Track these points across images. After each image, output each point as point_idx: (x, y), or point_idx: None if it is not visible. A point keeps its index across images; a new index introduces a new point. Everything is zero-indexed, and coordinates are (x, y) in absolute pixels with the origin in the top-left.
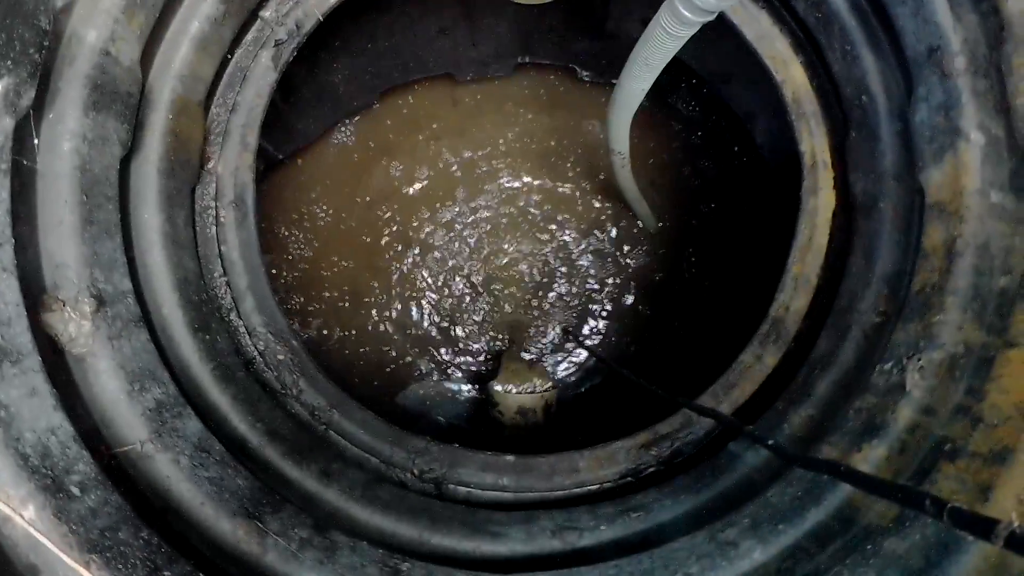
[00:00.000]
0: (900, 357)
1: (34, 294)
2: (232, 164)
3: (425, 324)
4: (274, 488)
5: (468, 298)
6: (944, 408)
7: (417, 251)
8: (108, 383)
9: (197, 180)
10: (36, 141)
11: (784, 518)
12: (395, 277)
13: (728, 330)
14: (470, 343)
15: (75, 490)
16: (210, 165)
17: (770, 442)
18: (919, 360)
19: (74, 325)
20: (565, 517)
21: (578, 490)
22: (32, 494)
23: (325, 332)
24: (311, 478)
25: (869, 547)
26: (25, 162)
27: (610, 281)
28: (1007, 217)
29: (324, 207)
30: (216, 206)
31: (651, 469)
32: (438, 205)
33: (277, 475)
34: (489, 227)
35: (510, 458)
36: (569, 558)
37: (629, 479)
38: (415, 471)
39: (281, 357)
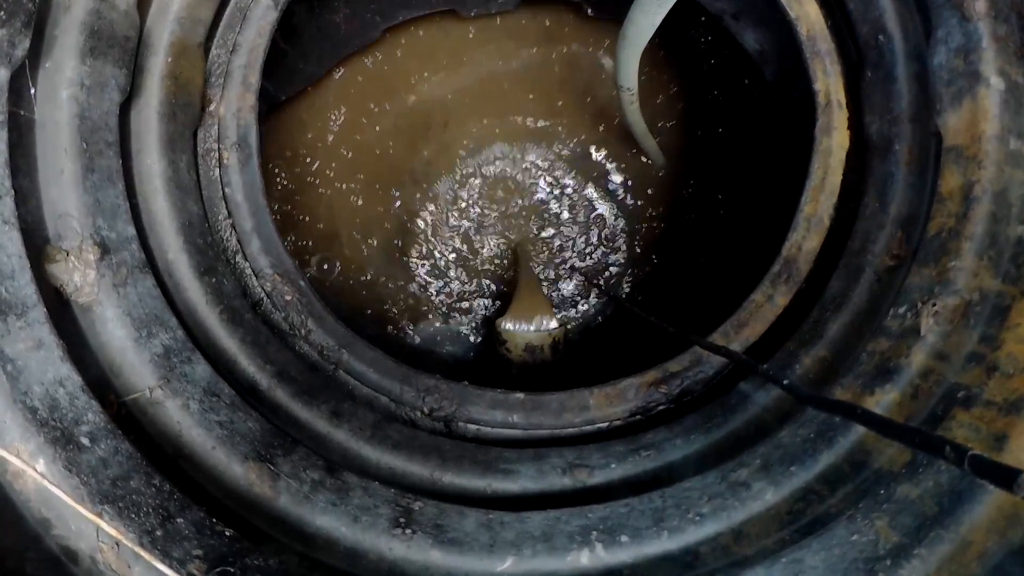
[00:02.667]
0: (914, 301)
1: (38, 245)
2: (234, 105)
3: (429, 257)
4: (285, 430)
5: (472, 232)
6: (958, 355)
7: (420, 184)
8: (115, 331)
9: (199, 123)
10: (33, 91)
11: (796, 459)
12: (397, 210)
13: (739, 270)
14: (476, 278)
15: (85, 441)
16: (212, 107)
17: (785, 382)
18: (934, 305)
19: (79, 274)
20: (576, 455)
21: (588, 428)
22: (42, 447)
23: (326, 267)
24: (321, 419)
25: (881, 492)
26: (23, 113)
27: (617, 217)
28: None
29: (327, 145)
30: (219, 148)
31: (661, 407)
32: (440, 140)
33: (288, 417)
34: (494, 162)
35: (519, 396)
36: (580, 496)
37: (639, 417)
38: (425, 409)
39: (289, 298)
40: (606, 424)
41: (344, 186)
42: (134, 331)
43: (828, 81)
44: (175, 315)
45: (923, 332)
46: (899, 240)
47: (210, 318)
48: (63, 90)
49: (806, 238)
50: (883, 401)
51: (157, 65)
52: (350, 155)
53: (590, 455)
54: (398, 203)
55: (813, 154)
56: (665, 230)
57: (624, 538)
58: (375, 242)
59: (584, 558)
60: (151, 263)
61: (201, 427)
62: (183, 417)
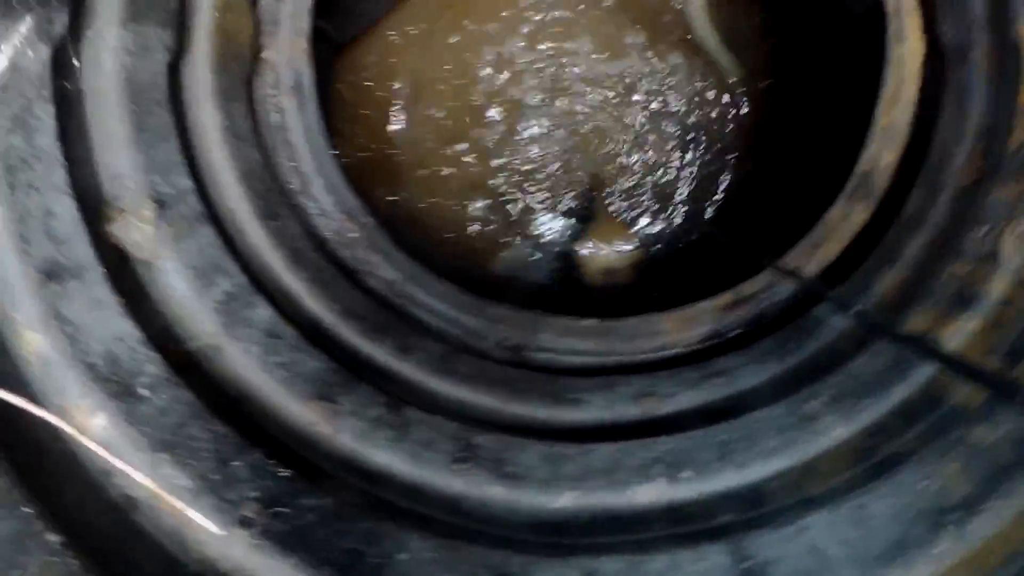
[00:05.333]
0: (995, 222)
1: (96, 208)
2: (287, 52)
3: (504, 184)
4: (349, 367)
5: (546, 156)
6: None
7: (491, 112)
8: (176, 283)
9: (252, 72)
10: (77, 63)
11: (868, 392)
12: (468, 140)
13: (818, 186)
14: (553, 202)
15: (145, 392)
16: (264, 55)
17: (856, 309)
18: (1015, 227)
19: (137, 231)
20: (646, 383)
21: (661, 353)
22: (102, 403)
23: (399, 202)
24: (388, 354)
25: (955, 433)
26: (68, 85)
27: (693, 132)
28: None
29: (392, 77)
30: (275, 94)
31: (735, 331)
32: (509, 64)
33: (353, 354)
34: (563, 82)
35: (591, 322)
36: (648, 426)
37: (713, 341)
38: (495, 339)
39: (354, 235)
40: (679, 350)
41: (412, 114)
42: (195, 281)
43: None
44: (236, 262)
45: (1003, 257)
46: (979, 155)
47: (274, 261)
48: (107, 58)
49: (883, 152)
50: (962, 330)
51: (204, 21)
52: (415, 86)
53: (660, 383)
54: (467, 129)
55: (886, 63)
56: (742, 146)
57: (688, 473)
58: (447, 169)
59: (646, 493)
60: (211, 212)
61: (262, 370)
62: (244, 361)
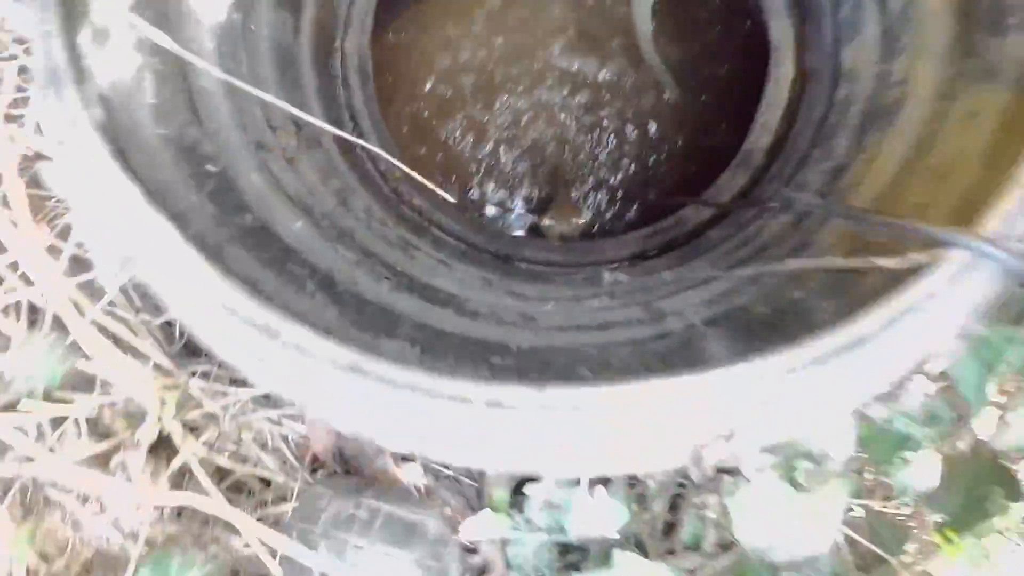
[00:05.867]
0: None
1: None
2: (355, 41)
3: (474, 174)
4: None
5: (514, 150)
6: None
7: (458, 109)
8: (307, 175)
9: (330, 54)
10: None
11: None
12: (442, 132)
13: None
14: (517, 189)
15: None
16: (337, 43)
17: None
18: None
19: (286, 137)
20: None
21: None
22: None
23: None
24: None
25: None
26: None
27: (640, 136)
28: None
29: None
30: (344, 72)
31: (654, 252)
32: (474, 64)
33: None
34: (528, 82)
35: (556, 243)
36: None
37: (638, 256)
38: (490, 249)
39: (397, 175)
40: (616, 263)
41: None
42: (320, 175)
43: (781, 28)
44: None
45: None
46: (816, 134)
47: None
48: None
49: (760, 139)
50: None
51: (308, 13)
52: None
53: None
54: (438, 119)
55: (767, 79)
56: (681, 148)
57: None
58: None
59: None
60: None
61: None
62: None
